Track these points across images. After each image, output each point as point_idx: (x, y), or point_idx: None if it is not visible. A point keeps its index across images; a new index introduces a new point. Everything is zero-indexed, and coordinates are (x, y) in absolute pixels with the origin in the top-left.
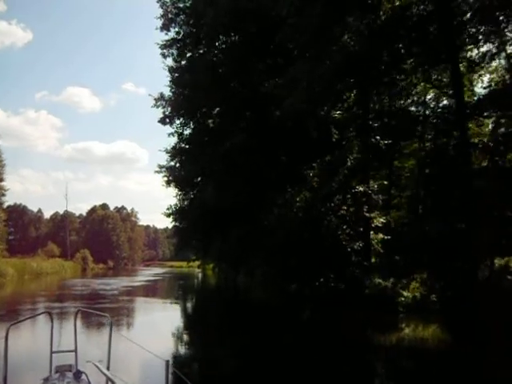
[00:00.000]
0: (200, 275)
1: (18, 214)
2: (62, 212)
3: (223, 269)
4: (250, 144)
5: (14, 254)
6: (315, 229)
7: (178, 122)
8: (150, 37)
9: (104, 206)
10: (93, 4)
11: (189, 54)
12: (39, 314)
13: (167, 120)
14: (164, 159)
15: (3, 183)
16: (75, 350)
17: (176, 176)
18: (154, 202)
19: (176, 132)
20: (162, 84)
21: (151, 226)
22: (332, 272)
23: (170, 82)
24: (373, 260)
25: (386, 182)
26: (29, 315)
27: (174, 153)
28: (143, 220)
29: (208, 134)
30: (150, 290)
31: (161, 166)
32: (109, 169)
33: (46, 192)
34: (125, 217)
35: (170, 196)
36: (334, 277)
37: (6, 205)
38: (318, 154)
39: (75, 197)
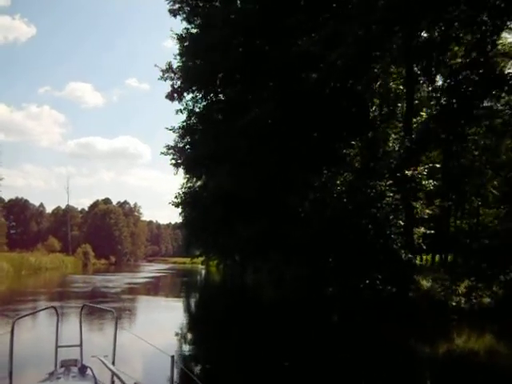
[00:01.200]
0: (203, 272)
1: (19, 209)
2: (64, 207)
3: (229, 265)
4: (277, 115)
5: (14, 249)
6: (360, 218)
7: (188, 97)
8: (153, 31)
9: (106, 201)
10: None
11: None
12: (45, 309)
13: (175, 95)
14: (171, 143)
15: None
16: (80, 345)
17: (186, 157)
18: (156, 198)
19: (186, 108)
20: (167, 81)
21: (154, 221)
22: (380, 272)
23: (180, 51)
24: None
25: (438, 166)
26: (34, 310)
27: (184, 132)
28: (146, 216)
29: (224, 108)
30: (154, 288)
31: (169, 147)
32: (111, 164)
33: (48, 187)
34: (127, 211)
35: (174, 190)
36: (382, 278)
37: (6, 198)
38: (356, 131)
39: (78, 192)
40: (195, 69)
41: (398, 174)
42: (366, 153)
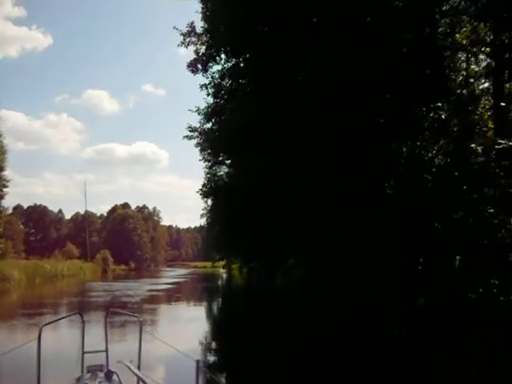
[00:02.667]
0: (225, 276)
1: (38, 215)
2: (82, 212)
3: (254, 269)
4: (344, 70)
5: (32, 256)
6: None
7: (215, 68)
8: (167, 37)
9: (125, 205)
10: (110, 6)
11: None
12: (71, 315)
13: (199, 65)
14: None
15: (4, 173)
16: (106, 350)
17: (213, 139)
18: (175, 203)
19: (212, 83)
20: (182, 86)
21: (173, 226)
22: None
23: (203, 10)
24: None
25: None
26: (61, 315)
27: (210, 112)
28: (165, 220)
29: (264, 72)
30: (177, 295)
31: (192, 129)
32: (129, 170)
33: (68, 194)
34: (147, 216)
35: (192, 197)
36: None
37: (26, 205)
38: (439, 92)
39: (97, 198)
40: (226, 18)
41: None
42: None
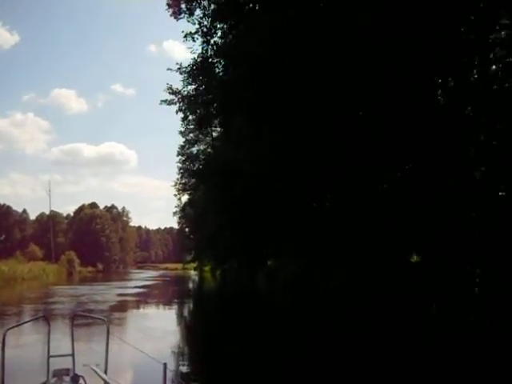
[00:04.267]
0: (196, 278)
1: (1, 215)
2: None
3: (230, 270)
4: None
5: None
6: None
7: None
8: (137, 37)
9: (93, 205)
10: (79, 5)
11: None
12: (36, 319)
13: (184, 5)
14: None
15: None
16: (72, 354)
17: (199, 106)
18: (144, 204)
19: (200, 28)
20: (152, 86)
21: (143, 227)
22: None
23: None
24: None
25: None
26: (25, 319)
27: (195, 71)
28: (134, 222)
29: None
30: (149, 301)
31: (173, 91)
32: (97, 171)
33: (35, 195)
34: (115, 216)
35: (162, 198)
36: None
37: None
38: None
39: (64, 200)
40: None
41: None
42: None
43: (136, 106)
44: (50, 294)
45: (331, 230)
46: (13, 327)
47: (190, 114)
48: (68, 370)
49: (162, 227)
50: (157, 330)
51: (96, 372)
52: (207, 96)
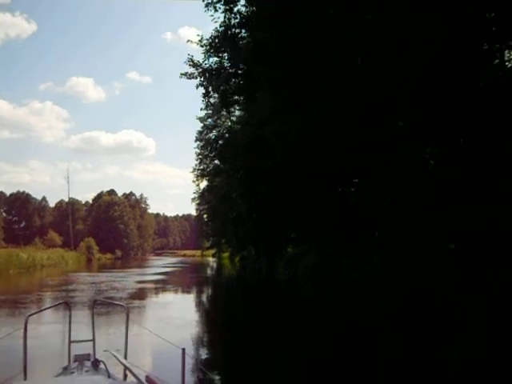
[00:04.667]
0: (215, 265)
1: (21, 203)
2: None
3: (248, 257)
4: None
5: (14, 244)
6: None
7: None
8: (152, 24)
9: (111, 192)
10: None
11: None
12: (57, 305)
13: None
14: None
15: None
16: (93, 340)
17: (220, 81)
18: (162, 191)
19: None
20: (168, 73)
21: (161, 214)
22: None
23: None
24: None
25: None
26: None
27: (218, 43)
28: (152, 209)
29: None
30: (169, 289)
31: (193, 63)
32: (116, 158)
33: (54, 183)
34: (133, 203)
35: (179, 186)
36: None
37: (6, 191)
38: None
39: (83, 187)
40: None
41: None
42: None
43: (152, 93)
44: (68, 281)
45: (358, 215)
46: (35, 313)
47: (212, 90)
48: (89, 355)
49: (181, 214)
50: (177, 319)
51: (116, 357)
52: (231, 69)
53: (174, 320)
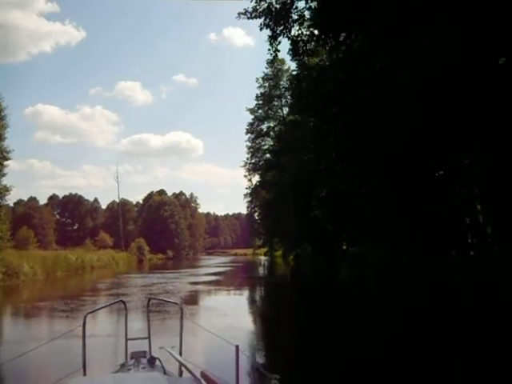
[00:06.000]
0: (267, 263)
1: (74, 205)
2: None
3: (303, 256)
4: None
5: (66, 246)
6: None
7: None
8: (197, 26)
9: (161, 192)
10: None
11: None
12: (114, 303)
13: None
14: None
15: (4, 143)
16: (149, 337)
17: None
18: (211, 191)
19: None
20: (214, 74)
21: (211, 213)
22: None
23: None
24: None
25: None
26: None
27: None
28: (202, 209)
29: None
30: (223, 292)
31: None
32: (165, 160)
33: (106, 186)
34: (184, 203)
35: (228, 186)
36: None
37: (61, 195)
38: None
39: (134, 189)
40: None
41: None
42: None
43: (199, 95)
44: (117, 284)
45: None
46: (93, 311)
47: (280, 32)
48: (145, 352)
49: (230, 213)
50: (234, 330)
51: (171, 354)
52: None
53: (231, 330)
